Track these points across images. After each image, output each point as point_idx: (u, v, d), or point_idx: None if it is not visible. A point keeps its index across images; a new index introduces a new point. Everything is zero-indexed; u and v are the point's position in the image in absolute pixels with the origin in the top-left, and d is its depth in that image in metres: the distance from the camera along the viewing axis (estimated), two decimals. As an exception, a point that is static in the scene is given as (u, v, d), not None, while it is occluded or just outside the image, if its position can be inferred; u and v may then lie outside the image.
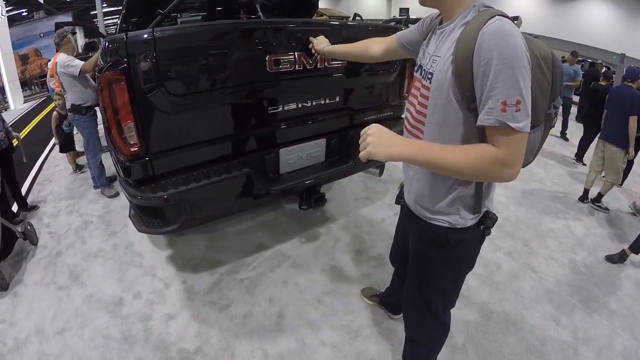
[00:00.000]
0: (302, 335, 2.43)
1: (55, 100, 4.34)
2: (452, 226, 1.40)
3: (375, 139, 1.19)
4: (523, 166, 1.28)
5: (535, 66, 1.15)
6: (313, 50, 2.28)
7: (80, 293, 2.85)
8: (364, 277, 2.92)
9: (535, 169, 5.53)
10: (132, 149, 1.99)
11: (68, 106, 4.06)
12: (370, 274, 2.96)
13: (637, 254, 3.32)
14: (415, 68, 1.43)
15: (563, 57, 8.18)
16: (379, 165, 3.83)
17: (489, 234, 1.45)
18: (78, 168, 5.13)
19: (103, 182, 4.38)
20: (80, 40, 14.93)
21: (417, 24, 1.57)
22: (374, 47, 1.85)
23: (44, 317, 2.63)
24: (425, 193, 1.43)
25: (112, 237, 3.56)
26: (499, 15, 1.07)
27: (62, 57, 3.83)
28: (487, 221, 1.42)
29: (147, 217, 2.26)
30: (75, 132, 4.74)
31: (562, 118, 7.54)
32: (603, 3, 16.26)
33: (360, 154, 1.22)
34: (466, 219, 1.39)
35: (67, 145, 4.88)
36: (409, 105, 1.44)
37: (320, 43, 2.20)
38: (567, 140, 7.39)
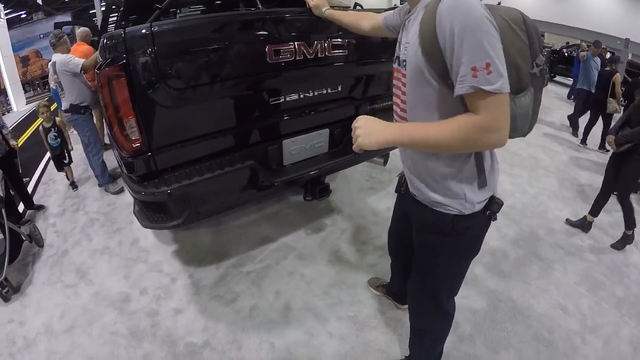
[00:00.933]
0: (309, 327, 2.44)
1: (42, 113, 4.11)
2: (459, 213, 1.39)
3: (364, 130, 1.23)
4: (522, 135, 1.35)
5: (506, 30, 1.17)
6: (311, 6, 2.24)
7: (88, 291, 2.87)
8: (370, 268, 2.92)
9: (540, 156, 5.50)
10: (134, 145, 1.99)
11: (66, 107, 4.02)
12: (376, 264, 2.96)
13: (595, 216, 3.54)
14: (394, 60, 1.43)
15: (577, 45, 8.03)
16: (383, 155, 3.81)
17: (494, 219, 1.44)
18: (73, 185, 4.67)
19: (106, 179, 4.39)
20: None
21: (397, 8, 1.64)
22: (364, 21, 1.93)
23: (52, 315, 2.65)
24: (428, 179, 1.43)
25: (118, 234, 3.57)
26: None
27: (60, 56, 3.83)
28: (492, 206, 1.40)
29: (152, 213, 2.26)
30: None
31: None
32: (606, -13, 16.07)
33: (353, 147, 1.27)
34: (473, 203, 1.37)
35: (61, 160, 4.47)
36: (394, 97, 1.44)
37: (320, 6, 2.18)
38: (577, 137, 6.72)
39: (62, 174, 4.63)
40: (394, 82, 1.42)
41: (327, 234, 3.36)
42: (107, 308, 2.69)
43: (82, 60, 3.80)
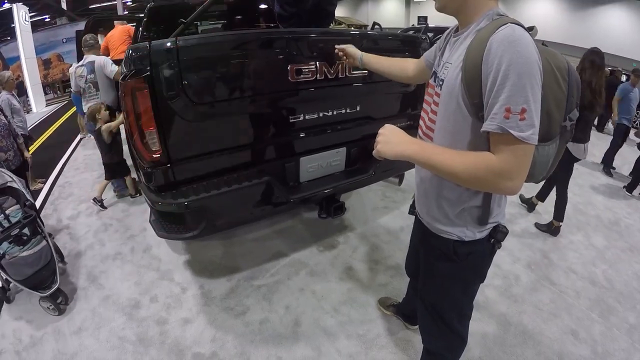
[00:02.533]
0: (318, 343, 2.43)
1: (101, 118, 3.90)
2: (459, 239, 1.40)
3: (386, 138, 1.24)
4: (536, 181, 1.35)
5: (549, 76, 1.13)
6: (345, 60, 2.19)
7: (98, 294, 2.89)
8: (381, 287, 2.91)
9: (554, 180, 5.45)
10: (154, 156, 2.02)
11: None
12: (388, 284, 2.94)
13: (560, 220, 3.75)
14: (430, 74, 1.43)
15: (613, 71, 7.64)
16: (399, 175, 3.81)
17: (499, 247, 1.44)
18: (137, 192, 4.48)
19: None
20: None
21: (436, 44, 1.53)
22: (410, 67, 1.84)
23: (60, 316, 2.68)
24: (434, 204, 1.43)
25: (131, 241, 3.60)
26: (512, 23, 1.06)
27: (98, 57, 3.97)
28: (497, 234, 1.41)
29: (168, 223, 2.29)
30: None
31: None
32: (622, 10, 15.99)
33: (373, 152, 1.27)
34: (474, 232, 1.38)
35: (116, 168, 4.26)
36: (423, 112, 1.45)
37: (354, 53, 2.09)
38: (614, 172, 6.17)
39: (80, 178, 4.69)
40: (426, 97, 1.42)
41: (340, 252, 3.36)
42: (116, 313, 2.71)
43: (117, 69, 3.96)
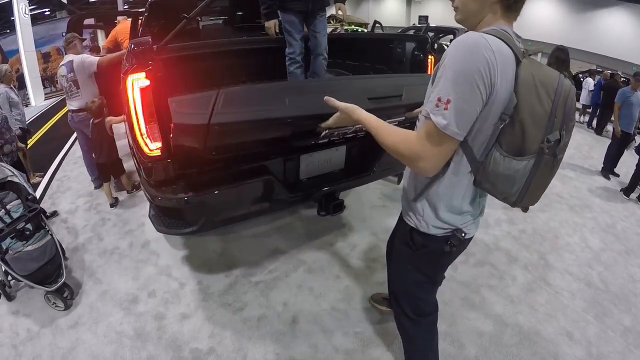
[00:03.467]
0: (315, 340, 2.44)
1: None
2: (415, 227, 1.49)
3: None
4: (507, 202, 1.31)
5: (528, 88, 1.14)
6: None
7: (96, 289, 2.90)
8: (379, 285, 2.92)
9: (553, 181, 5.44)
10: (154, 150, 2.02)
11: (80, 105, 4.04)
12: (385, 282, 2.87)
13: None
14: None
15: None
16: (397, 174, 3.82)
17: (447, 251, 1.46)
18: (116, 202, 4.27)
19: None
20: (102, 41, 15.17)
21: None
22: None
23: (58, 310, 2.68)
24: (405, 189, 1.57)
25: (129, 235, 3.61)
26: (487, 33, 1.14)
27: (76, 56, 3.96)
28: (453, 238, 1.44)
29: (167, 218, 2.29)
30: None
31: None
32: (622, 13, 16.05)
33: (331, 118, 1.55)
34: (427, 225, 1.45)
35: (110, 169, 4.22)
36: None
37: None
38: (613, 176, 6.13)
39: (78, 172, 4.69)
40: None
41: (338, 249, 3.37)
42: (114, 308, 2.72)
43: (96, 59, 3.94)
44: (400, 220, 1.65)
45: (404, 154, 1.24)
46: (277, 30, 2.85)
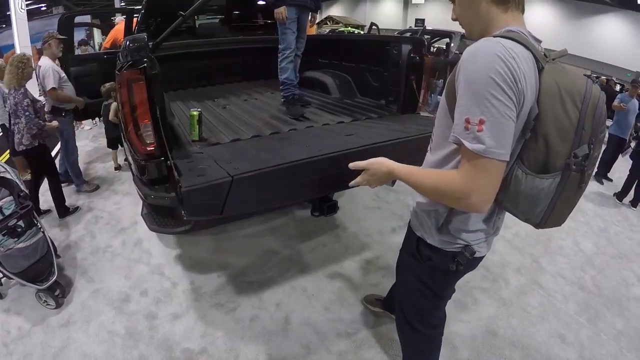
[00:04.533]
0: (308, 341, 2.43)
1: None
2: (423, 238, 1.43)
3: (372, 172, 1.39)
4: (531, 223, 1.19)
5: (552, 98, 1.03)
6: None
7: (88, 287, 2.87)
8: (372, 287, 2.91)
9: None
10: (148, 148, 2.01)
11: (48, 108, 4.05)
12: (379, 284, 2.95)
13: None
14: None
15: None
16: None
17: (453, 269, 1.37)
18: (119, 167, 5.22)
19: (82, 180, 4.46)
20: (98, 38, 15.12)
21: None
22: None
23: (49, 309, 2.66)
24: (417, 200, 1.47)
25: (122, 234, 3.58)
26: (505, 37, 1.03)
27: (46, 63, 3.97)
28: (460, 256, 1.35)
29: (160, 217, 2.27)
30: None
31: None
32: (618, 20, 16.18)
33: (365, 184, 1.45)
34: (435, 237, 1.38)
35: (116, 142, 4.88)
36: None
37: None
38: (606, 181, 6.17)
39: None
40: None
41: (331, 250, 3.36)
42: (105, 306, 2.69)
43: (53, 84, 3.91)
44: (409, 230, 1.57)
45: (448, 194, 1.11)
46: (287, 15, 2.96)
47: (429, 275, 1.51)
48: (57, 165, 4.34)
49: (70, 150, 4.29)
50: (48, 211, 4.02)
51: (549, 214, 1.11)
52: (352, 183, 1.47)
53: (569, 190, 1.07)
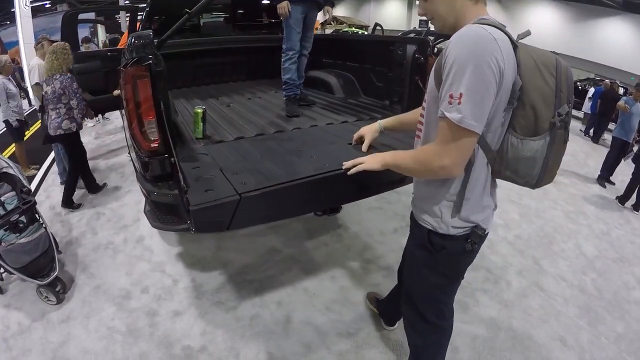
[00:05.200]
0: (309, 340, 2.43)
1: None
2: (433, 229, 1.44)
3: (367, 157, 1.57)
4: (529, 186, 1.33)
5: (532, 71, 1.18)
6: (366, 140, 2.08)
7: (89, 284, 2.88)
8: (374, 287, 2.91)
9: (548, 188, 5.47)
10: (152, 145, 2.00)
11: (37, 106, 4.17)
12: (380, 284, 2.95)
13: None
14: None
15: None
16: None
17: (469, 249, 1.43)
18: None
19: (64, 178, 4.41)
20: (102, 36, 15.16)
21: None
22: None
23: (50, 305, 2.66)
24: (419, 193, 1.53)
25: (123, 231, 3.59)
26: (482, 24, 1.15)
27: (34, 62, 4.15)
28: (473, 236, 1.41)
29: (163, 214, 2.27)
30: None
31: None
32: (622, 23, 16.13)
33: (361, 166, 1.57)
34: (447, 225, 1.40)
35: None
36: (422, 108, 1.49)
37: (372, 132, 2.04)
38: (609, 185, 6.15)
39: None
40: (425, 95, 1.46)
41: (333, 250, 3.36)
42: (106, 303, 2.70)
43: (37, 80, 4.09)
44: (415, 225, 1.57)
45: (424, 160, 1.27)
46: (290, 9, 2.91)
47: (444, 263, 1.53)
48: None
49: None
50: (105, 185, 4.45)
51: (544, 172, 1.26)
52: (350, 172, 1.62)
53: (558, 146, 1.23)
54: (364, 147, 2.04)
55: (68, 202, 4.00)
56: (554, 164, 1.28)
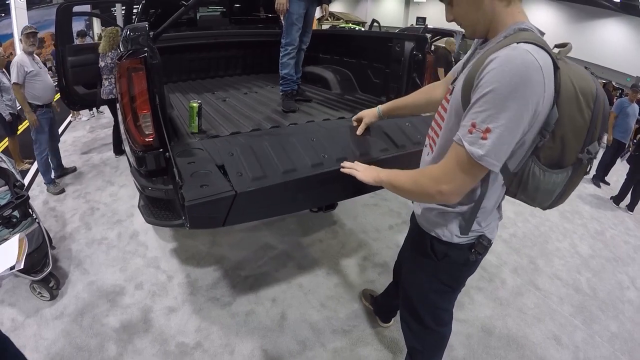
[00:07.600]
0: (304, 337, 2.42)
1: None
2: (437, 236, 1.40)
3: (362, 167, 1.56)
4: (542, 207, 1.30)
5: (571, 101, 1.05)
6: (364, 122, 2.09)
7: (82, 279, 2.85)
8: (369, 284, 2.91)
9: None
10: (146, 139, 1.98)
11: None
12: (375, 281, 2.95)
13: None
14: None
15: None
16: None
17: (473, 260, 1.40)
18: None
19: (49, 179, 4.30)
20: (97, 29, 15.05)
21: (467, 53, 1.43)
22: (437, 91, 1.69)
23: (43, 300, 2.64)
24: (425, 205, 1.46)
25: (117, 226, 3.56)
26: (528, 42, 1.00)
27: (16, 59, 4.00)
28: (477, 246, 1.37)
29: (157, 209, 2.25)
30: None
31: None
32: (619, 24, 16.20)
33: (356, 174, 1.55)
34: (451, 234, 1.36)
35: None
36: (437, 115, 1.41)
37: (371, 116, 2.05)
38: (604, 185, 6.23)
39: (69, 160, 4.73)
40: (443, 101, 1.38)
41: (328, 247, 3.35)
42: (100, 299, 2.68)
43: (16, 80, 3.94)
44: (417, 230, 1.53)
45: (423, 183, 1.21)
46: (293, 10, 2.89)
47: (446, 271, 1.49)
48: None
49: (39, 146, 4.20)
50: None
51: (559, 198, 1.23)
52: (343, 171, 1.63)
53: (577, 179, 1.18)
54: (359, 131, 2.08)
55: (119, 152, 5.22)
56: (570, 191, 1.23)
